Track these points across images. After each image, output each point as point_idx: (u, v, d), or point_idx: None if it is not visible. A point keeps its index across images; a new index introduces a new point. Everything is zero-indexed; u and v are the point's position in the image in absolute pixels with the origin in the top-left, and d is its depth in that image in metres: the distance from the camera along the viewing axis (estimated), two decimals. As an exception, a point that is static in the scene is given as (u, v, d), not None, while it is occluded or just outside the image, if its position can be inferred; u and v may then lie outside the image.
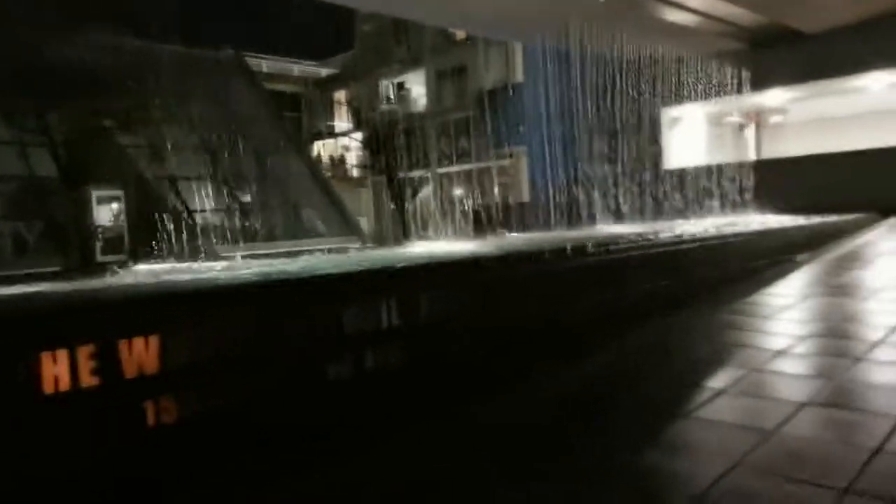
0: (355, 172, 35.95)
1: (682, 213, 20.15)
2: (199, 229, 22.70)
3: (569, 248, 6.90)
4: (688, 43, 19.14)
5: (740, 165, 21.24)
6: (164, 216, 21.41)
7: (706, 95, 21.34)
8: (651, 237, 8.88)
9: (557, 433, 3.76)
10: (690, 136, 24.11)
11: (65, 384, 3.07)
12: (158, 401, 3.57)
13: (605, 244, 7.58)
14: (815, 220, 13.58)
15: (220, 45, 30.71)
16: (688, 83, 21.34)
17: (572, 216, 20.85)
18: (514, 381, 4.64)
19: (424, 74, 33.62)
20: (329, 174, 33.50)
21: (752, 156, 23.59)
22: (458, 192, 31.51)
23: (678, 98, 21.77)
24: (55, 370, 3.06)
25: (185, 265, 10.46)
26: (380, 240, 27.24)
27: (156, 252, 18.76)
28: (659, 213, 20.83)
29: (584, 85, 21.10)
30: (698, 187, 21.08)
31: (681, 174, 21.97)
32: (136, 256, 20.26)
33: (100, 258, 21.90)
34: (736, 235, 10.20)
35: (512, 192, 29.03)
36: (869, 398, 4.16)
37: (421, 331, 5.11)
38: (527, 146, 26.53)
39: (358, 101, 37.01)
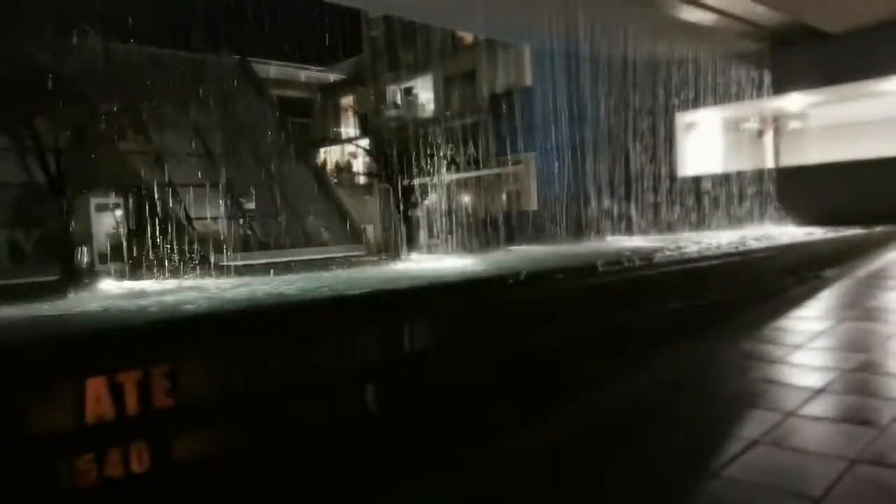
0: (362, 179, 35.37)
1: (698, 223, 19.39)
2: (198, 238, 22.24)
3: (570, 268, 6.20)
4: (704, 44, 18.37)
5: (759, 173, 20.40)
6: (165, 224, 21.00)
7: (723, 99, 20.49)
8: (669, 253, 8.16)
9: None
10: (706, 142, 23.31)
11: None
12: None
13: (617, 262, 6.87)
14: (842, 233, 12.79)
15: (227, 50, 30.29)
16: (704, 86, 20.49)
17: (582, 227, 20.13)
18: (492, 437, 3.98)
19: (432, 79, 33.05)
20: (335, 181, 32.93)
21: (770, 163, 22.74)
22: (466, 199, 30.84)
23: (694, 102, 20.96)
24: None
25: (164, 285, 9.86)
26: (384, 249, 26.64)
27: (155, 261, 18.34)
28: (674, 223, 20.05)
29: (595, 88, 20.39)
30: (715, 196, 20.26)
31: (696, 182, 21.17)
32: (136, 266, 19.86)
33: (98, 267, 21.49)
34: (760, 251, 9.46)
35: (521, 199, 28.35)
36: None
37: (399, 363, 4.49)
38: (536, 152, 25.85)
39: (365, 106, 36.49)
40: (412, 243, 24.73)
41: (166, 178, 23.71)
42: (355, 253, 23.11)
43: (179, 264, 18.59)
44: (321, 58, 41.48)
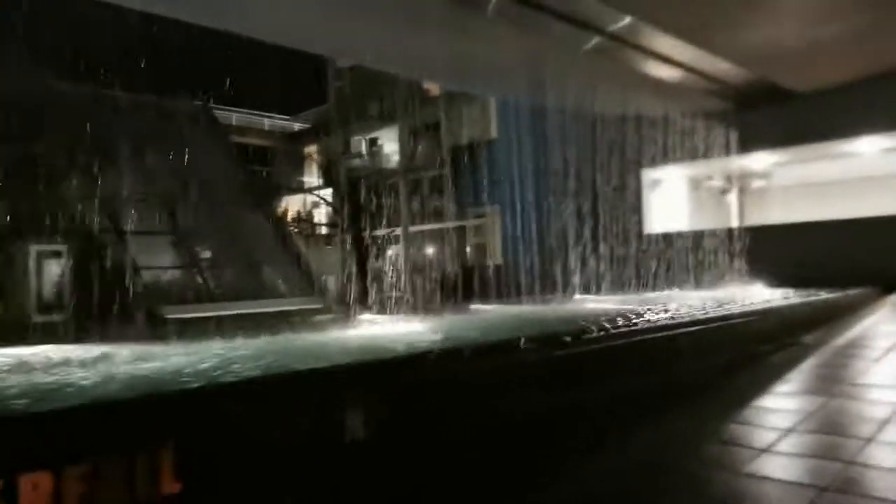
0: (323, 230, 34.53)
1: (666, 282, 18.89)
2: (146, 288, 21.10)
3: (513, 342, 5.42)
4: (670, 101, 18.20)
5: (727, 232, 20.09)
6: (110, 274, 19.86)
7: (687, 157, 20.27)
8: (638, 320, 7.46)
9: None
10: (671, 199, 23.07)
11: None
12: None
13: (577, 333, 6.08)
14: (816, 296, 12.32)
15: (188, 95, 29.59)
16: (669, 143, 20.26)
17: (547, 284, 19.50)
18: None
19: (398, 130, 32.67)
20: (296, 231, 32.04)
21: (734, 222, 22.52)
22: (429, 251, 30.15)
23: (659, 159, 20.71)
24: None
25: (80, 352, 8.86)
26: (343, 302, 25.67)
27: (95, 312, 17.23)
28: (641, 282, 19.52)
29: (561, 143, 20.04)
30: (682, 254, 19.84)
31: (663, 239, 20.78)
32: (78, 318, 18.67)
33: (36, 319, 20.22)
34: (736, 316, 8.84)
35: (486, 253, 27.76)
36: None
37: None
38: (500, 205, 25.37)
39: (328, 156, 35.91)
40: (370, 298, 23.83)
41: (115, 225, 22.60)
42: (312, 306, 22.07)
43: (120, 319, 17.53)
44: (285, 106, 41.11)
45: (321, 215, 36.65)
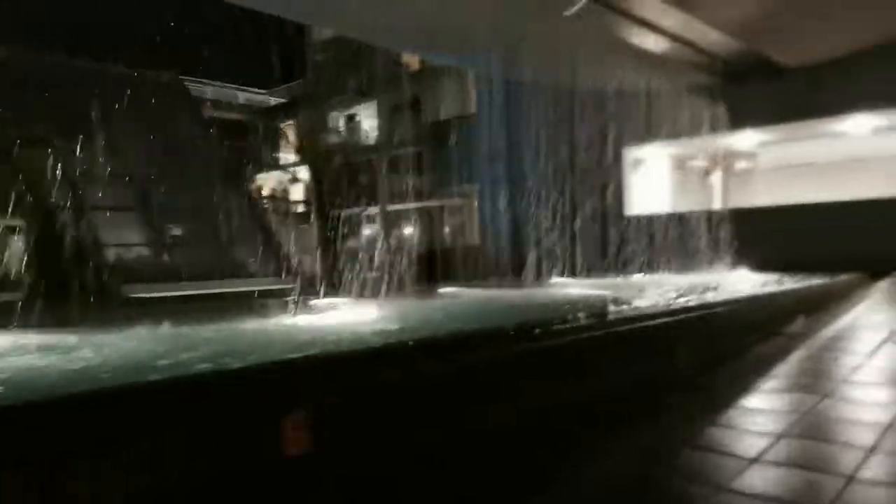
0: (299, 208, 33.61)
1: (646, 265, 18.30)
2: (108, 267, 20.23)
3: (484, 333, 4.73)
4: (656, 75, 17.46)
5: (710, 214, 19.50)
6: (69, 251, 19.00)
7: (672, 134, 19.56)
8: (617, 308, 6.79)
9: None
10: (654, 180, 22.43)
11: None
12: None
13: (546, 324, 5.39)
14: (803, 283, 11.75)
15: (160, 67, 28.49)
16: (653, 120, 19.48)
17: (524, 266, 18.83)
18: None
19: (376, 106, 31.75)
20: (270, 209, 31.17)
21: (717, 204, 21.94)
22: (407, 231, 29.40)
23: (642, 137, 20.00)
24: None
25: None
26: (316, 283, 24.94)
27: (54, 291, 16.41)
28: (621, 265, 18.91)
29: (540, 119, 19.26)
30: (664, 237, 19.22)
31: (645, 221, 20.16)
32: (35, 296, 17.84)
33: (-4, 296, 19.31)
34: (720, 304, 8.22)
35: (464, 233, 27.06)
36: None
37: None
38: (478, 184, 24.63)
39: (305, 132, 34.90)
40: (341, 279, 23.07)
41: (77, 200, 21.63)
42: (281, 286, 21.30)
43: (79, 299, 16.71)
44: (262, 80, 39.94)
45: (297, 193, 35.74)
